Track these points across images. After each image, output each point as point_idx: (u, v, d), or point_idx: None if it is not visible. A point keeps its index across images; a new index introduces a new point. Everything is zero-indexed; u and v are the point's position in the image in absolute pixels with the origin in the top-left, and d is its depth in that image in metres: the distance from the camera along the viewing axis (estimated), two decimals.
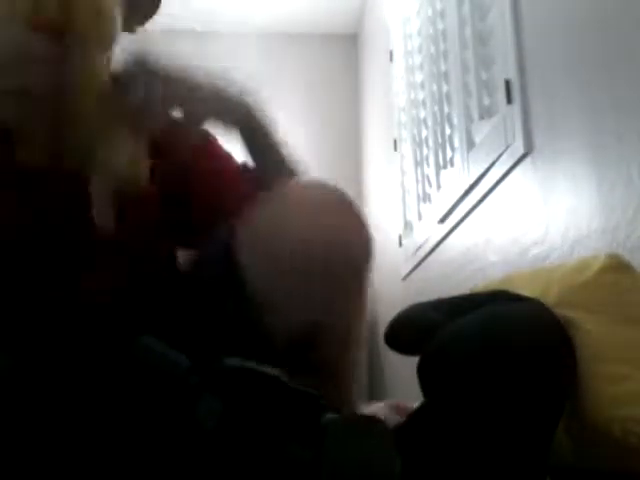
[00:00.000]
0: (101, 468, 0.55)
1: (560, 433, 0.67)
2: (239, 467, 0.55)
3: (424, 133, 2.68)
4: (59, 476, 0.55)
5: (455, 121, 2.24)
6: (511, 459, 0.60)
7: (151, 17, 0.96)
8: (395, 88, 3.14)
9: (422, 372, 0.67)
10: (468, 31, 2.10)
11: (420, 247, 2.66)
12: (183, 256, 0.94)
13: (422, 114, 2.71)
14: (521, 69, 1.70)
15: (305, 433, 0.54)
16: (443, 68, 2.40)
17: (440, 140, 2.45)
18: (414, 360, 0.71)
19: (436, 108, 2.49)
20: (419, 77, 2.76)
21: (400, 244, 3.02)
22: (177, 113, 0.79)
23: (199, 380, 0.60)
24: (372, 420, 0.56)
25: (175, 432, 0.57)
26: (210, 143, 0.99)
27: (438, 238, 2.41)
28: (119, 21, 0.80)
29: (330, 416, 0.55)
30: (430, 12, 2.56)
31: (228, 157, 1.01)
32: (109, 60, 0.81)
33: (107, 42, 0.78)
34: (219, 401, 0.57)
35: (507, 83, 1.76)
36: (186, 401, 0.58)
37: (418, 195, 2.76)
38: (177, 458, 0.56)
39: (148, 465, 0.55)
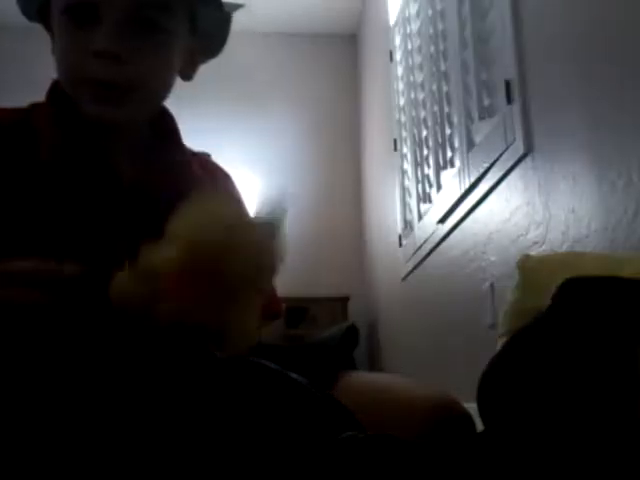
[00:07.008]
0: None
1: None
2: (246, 460, 0.56)
3: (424, 133, 2.68)
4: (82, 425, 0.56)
5: (455, 121, 2.24)
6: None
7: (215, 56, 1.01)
8: (395, 88, 3.14)
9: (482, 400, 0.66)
10: (468, 31, 2.10)
11: (420, 247, 2.66)
12: None
13: (422, 114, 2.70)
14: (521, 69, 1.70)
15: (320, 444, 0.54)
16: (443, 68, 2.40)
17: (440, 140, 2.45)
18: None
19: (436, 108, 2.49)
20: (419, 77, 2.76)
21: (400, 244, 3.02)
22: None
23: (225, 374, 0.61)
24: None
25: (186, 421, 0.58)
26: None
27: (438, 238, 2.41)
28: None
29: (350, 433, 0.55)
30: (430, 12, 2.56)
31: None
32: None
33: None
34: (243, 399, 0.58)
35: (507, 83, 1.76)
36: (205, 392, 0.59)
37: (418, 195, 2.76)
38: (187, 441, 0.57)
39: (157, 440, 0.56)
